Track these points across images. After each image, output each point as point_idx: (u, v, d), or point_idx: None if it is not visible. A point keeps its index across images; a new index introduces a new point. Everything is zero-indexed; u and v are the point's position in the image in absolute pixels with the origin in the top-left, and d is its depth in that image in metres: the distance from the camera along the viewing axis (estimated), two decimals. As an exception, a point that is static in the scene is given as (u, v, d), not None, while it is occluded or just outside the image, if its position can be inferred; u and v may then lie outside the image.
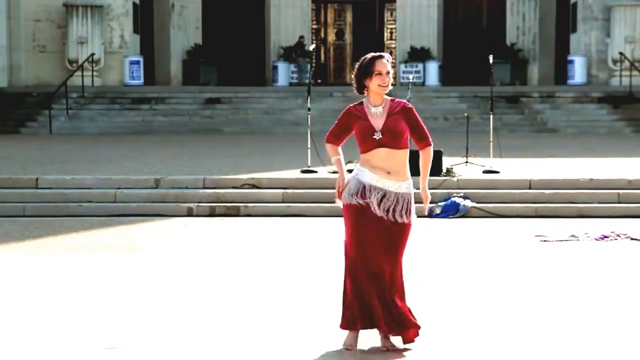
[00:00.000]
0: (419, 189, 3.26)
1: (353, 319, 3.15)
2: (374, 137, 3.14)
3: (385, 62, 3.18)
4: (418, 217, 3.29)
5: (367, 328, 3.18)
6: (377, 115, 3.18)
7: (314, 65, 14.12)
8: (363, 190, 3.15)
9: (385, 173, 3.16)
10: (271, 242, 5.85)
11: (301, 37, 16.95)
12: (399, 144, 3.17)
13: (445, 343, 3.33)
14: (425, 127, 3.26)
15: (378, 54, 3.22)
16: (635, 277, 4.60)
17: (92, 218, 6.86)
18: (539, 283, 4.43)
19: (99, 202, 7.26)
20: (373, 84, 3.17)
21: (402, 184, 3.17)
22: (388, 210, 3.14)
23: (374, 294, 3.13)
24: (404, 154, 3.20)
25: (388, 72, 3.18)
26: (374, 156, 3.16)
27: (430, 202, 8.05)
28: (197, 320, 3.66)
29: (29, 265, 4.97)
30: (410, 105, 3.24)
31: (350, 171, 3.43)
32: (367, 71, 3.16)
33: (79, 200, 7.29)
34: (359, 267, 3.14)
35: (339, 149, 3.28)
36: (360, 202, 3.12)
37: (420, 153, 3.26)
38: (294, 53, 16.57)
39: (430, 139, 3.27)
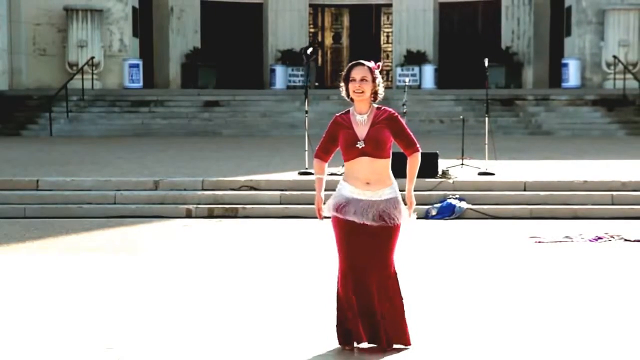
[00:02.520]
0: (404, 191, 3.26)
1: (348, 334, 3.15)
2: (356, 145, 3.13)
3: (362, 69, 3.15)
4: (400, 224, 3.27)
5: (360, 342, 3.16)
6: (361, 124, 3.16)
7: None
8: (346, 204, 3.15)
9: (364, 184, 3.15)
10: (269, 243, 5.89)
11: (314, 42, 17.15)
12: (381, 153, 3.16)
13: (442, 343, 3.36)
14: (412, 134, 3.24)
15: (359, 61, 3.21)
16: (628, 277, 4.63)
17: (91, 219, 6.90)
18: (534, 284, 4.46)
19: (98, 204, 7.30)
20: (350, 90, 3.17)
21: (384, 191, 3.16)
22: (374, 218, 3.13)
23: (361, 307, 3.12)
24: (386, 164, 3.18)
25: (363, 78, 3.15)
26: (356, 165, 3.15)
27: (427, 204, 8.01)
28: (196, 321, 3.69)
29: (29, 265, 5.01)
30: (396, 114, 3.23)
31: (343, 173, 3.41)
32: (346, 78, 3.19)
33: (79, 201, 7.33)
34: (347, 281, 3.15)
35: (326, 166, 3.29)
36: (342, 217, 3.13)
37: (408, 159, 3.25)
38: (305, 57, 16.67)
39: (418, 145, 3.26)
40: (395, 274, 3.22)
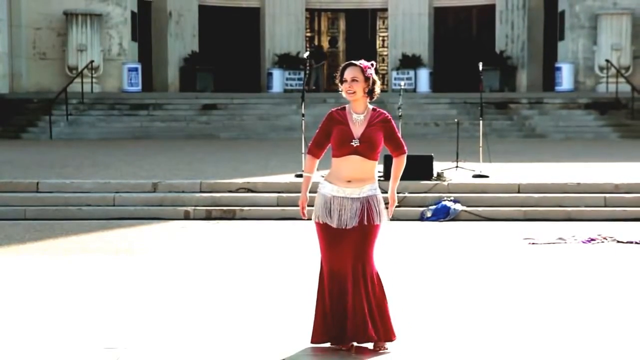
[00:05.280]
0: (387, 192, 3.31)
1: (324, 333, 3.18)
2: (351, 143, 3.17)
3: (354, 69, 3.19)
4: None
5: (337, 343, 3.17)
6: (358, 123, 3.20)
7: (307, 72, 14.43)
8: (328, 206, 3.17)
9: (345, 182, 3.18)
10: (266, 244, 5.95)
11: (320, 45, 17.25)
12: (372, 154, 3.20)
13: (437, 344, 3.39)
14: (401, 137, 3.30)
15: (351, 61, 3.24)
16: (621, 279, 4.69)
17: (91, 221, 6.95)
18: (527, 285, 4.50)
19: (98, 206, 7.35)
20: (343, 90, 3.22)
21: (364, 188, 3.19)
22: (353, 219, 3.14)
23: (342, 309, 3.13)
24: (373, 165, 3.22)
25: (354, 79, 3.18)
26: (344, 162, 3.18)
27: (422, 206, 8.04)
28: (194, 321, 3.73)
29: (29, 267, 5.05)
30: (390, 117, 3.25)
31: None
32: (340, 78, 3.25)
33: (78, 203, 7.39)
34: (328, 283, 3.17)
35: (316, 164, 3.29)
36: (329, 223, 3.16)
37: (395, 159, 3.31)
38: (312, 60, 16.98)
39: (405, 148, 3.30)
40: (377, 272, 3.24)
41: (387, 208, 3.28)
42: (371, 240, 3.22)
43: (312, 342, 3.27)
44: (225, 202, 7.44)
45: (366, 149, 3.20)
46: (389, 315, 3.26)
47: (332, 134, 3.22)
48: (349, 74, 3.21)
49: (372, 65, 3.26)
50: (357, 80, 3.20)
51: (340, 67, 3.28)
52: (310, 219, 3.29)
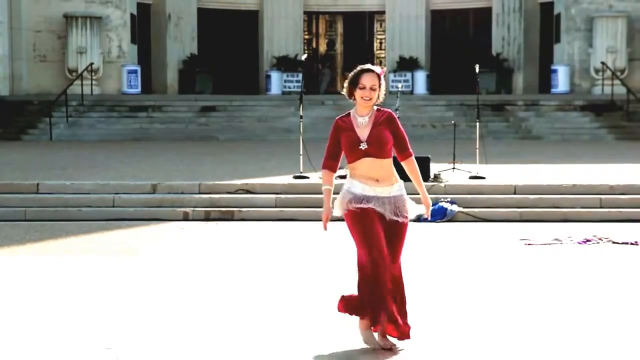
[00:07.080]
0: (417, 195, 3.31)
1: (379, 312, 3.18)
2: (359, 147, 3.20)
3: (373, 77, 3.21)
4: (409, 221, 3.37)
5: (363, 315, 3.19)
6: (363, 125, 3.23)
7: (304, 75, 14.48)
8: (357, 200, 3.19)
9: (374, 181, 3.21)
10: (264, 245, 5.99)
11: (331, 49, 17.50)
12: (383, 153, 3.22)
13: (437, 344, 3.42)
14: (406, 137, 3.30)
15: (368, 67, 3.25)
16: (616, 279, 4.73)
17: (91, 222, 6.99)
18: (524, 285, 4.53)
19: (97, 207, 7.39)
20: (358, 95, 3.24)
21: (393, 188, 3.24)
22: (390, 212, 3.18)
23: (385, 291, 3.15)
24: (389, 163, 3.25)
25: (373, 87, 3.21)
26: (360, 165, 3.22)
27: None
28: (194, 321, 3.75)
29: (29, 267, 5.07)
30: (394, 115, 3.28)
31: (343, 177, 3.47)
32: (354, 83, 3.26)
33: (78, 204, 7.43)
34: (371, 264, 3.15)
35: (334, 177, 3.29)
36: (359, 206, 3.16)
37: (405, 165, 3.31)
38: (320, 64, 17.08)
39: (411, 150, 3.31)
40: (401, 272, 3.29)
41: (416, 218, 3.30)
42: (403, 237, 3.26)
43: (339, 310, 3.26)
44: (224, 203, 7.48)
45: (376, 150, 3.22)
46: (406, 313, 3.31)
47: (341, 142, 3.26)
48: (368, 81, 3.22)
49: (383, 72, 3.31)
50: (374, 89, 3.24)
51: (356, 70, 3.27)
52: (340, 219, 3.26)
